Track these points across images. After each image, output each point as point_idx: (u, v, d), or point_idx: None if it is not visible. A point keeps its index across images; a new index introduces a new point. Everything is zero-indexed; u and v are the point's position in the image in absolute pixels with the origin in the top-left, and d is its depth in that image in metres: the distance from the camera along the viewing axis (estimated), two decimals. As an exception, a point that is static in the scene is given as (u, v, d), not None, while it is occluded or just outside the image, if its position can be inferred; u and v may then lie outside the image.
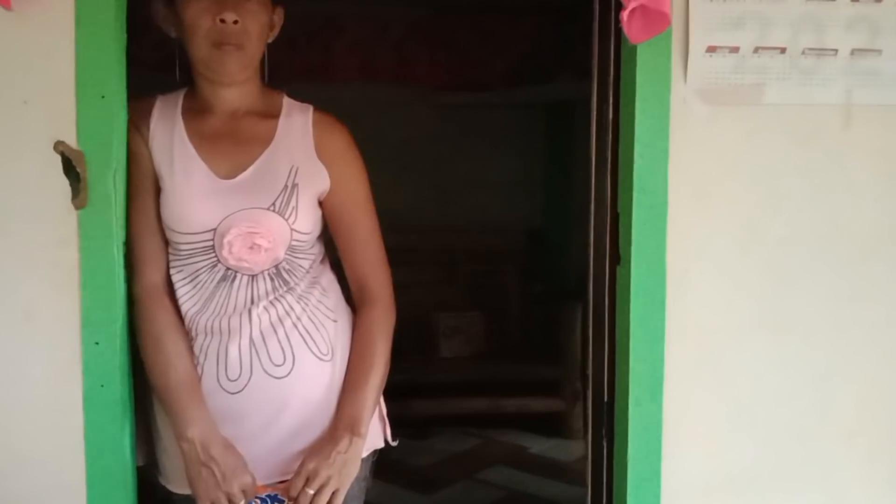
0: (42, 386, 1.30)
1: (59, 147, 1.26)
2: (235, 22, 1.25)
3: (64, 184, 1.26)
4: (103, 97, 1.27)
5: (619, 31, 1.38)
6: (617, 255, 1.43)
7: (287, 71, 1.52)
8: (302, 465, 1.27)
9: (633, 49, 1.38)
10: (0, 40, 1.25)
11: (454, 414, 3.50)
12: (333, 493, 1.26)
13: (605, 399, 1.52)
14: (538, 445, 3.42)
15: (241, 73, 1.30)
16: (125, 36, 1.31)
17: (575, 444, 3.29)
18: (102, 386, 1.28)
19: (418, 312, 3.86)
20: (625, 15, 1.28)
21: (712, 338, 1.44)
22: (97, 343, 1.28)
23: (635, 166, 1.38)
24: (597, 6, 1.60)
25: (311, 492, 1.25)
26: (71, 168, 1.26)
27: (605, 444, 1.53)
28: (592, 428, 1.59)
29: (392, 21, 4.10)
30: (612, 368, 1.49)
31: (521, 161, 4.31)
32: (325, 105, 1.40)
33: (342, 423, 1.31)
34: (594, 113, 1.56)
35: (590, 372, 1.57)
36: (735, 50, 1.40)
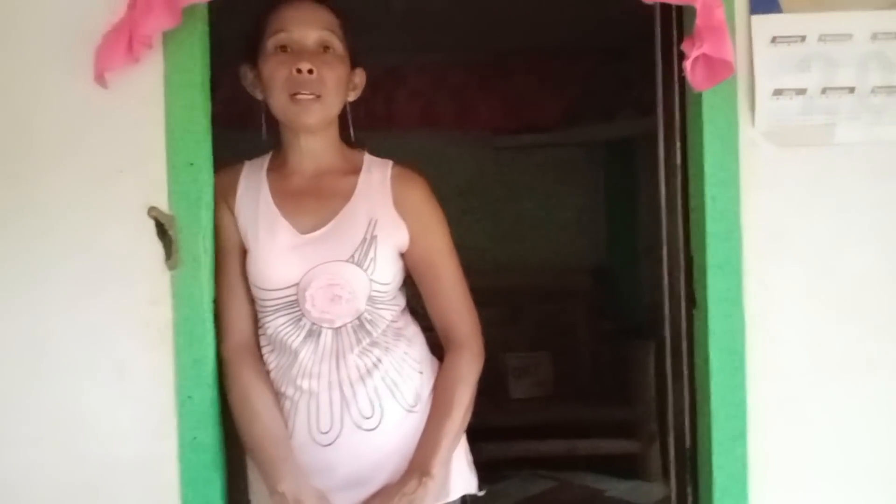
0: (138, 440, 1.36)
1: (153, 212, 1.34)
2: (311, 71, 1.29)
3: (157, 247, 1.34)
4: (192, 164, 1.35)
5: (682, 75, 1.39)
6: (692, 299, 1.43)
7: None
8: None
9: (699, 94, 1.39)
10: (97, 115, 1.35)
11: (526, 457, 3.47)
12: None
13: (688, 444, 1.50)
14: (615, 488, 3.36)
15: (318, 121, 1.34)
16: (210, 105, 1.40)
17: (653, 487, 3.22)
18: (195, 438, 1.34)
19: (486, 354, 3.87)
20: (688, 64, 1.30)
21: (794, 381, 1.41)
22: (190, 397, 1.34)
23: (707, 210, 1.38)
24: (658, 51, 1.62)
25: None
26: (163, 231, 1.34)
27: (689, 491, 1.50)
28: (676, 474, 1.57)
29: (450, 68, 4.20)
30: (693, 413, 1.47)
31: (584, 199, 4.32)
32: (388, 153, 1.44)
33: (413, 464, 1.32)
34: (661, 157, 1.58)
35: (670, 417, 1.55)
36: (802, 92, 1.39)
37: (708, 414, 1.39)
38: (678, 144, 1.47)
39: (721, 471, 1.39)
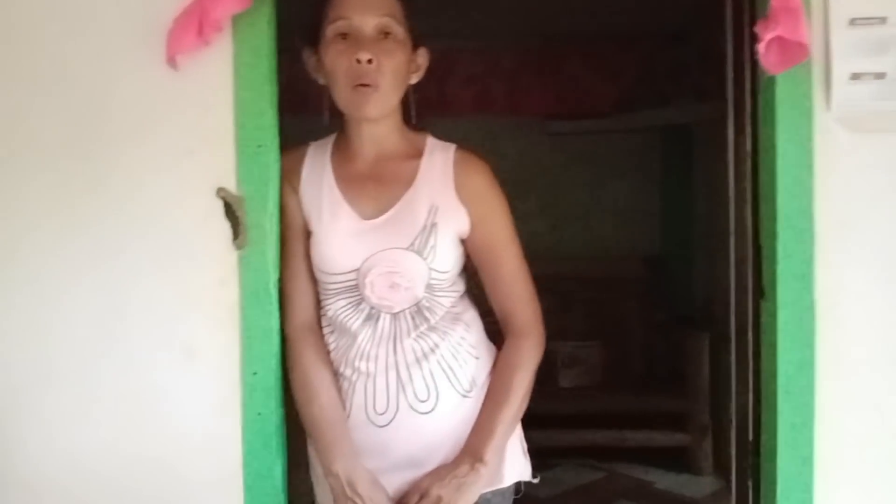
0: (204, 415, 1.39)
1: (221, 193, 1.37)
2: (370, 61, 1.29)
3: (224, 227, 1.37)
4: (260, 146, 1.36)
5: (754, 59, 1.36)
6: (761, 289, 1.39)
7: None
8: (417, 483, 1.30)
9: (772, 78, 1.35)
10: (168, 97, 1.37)
11: (575, 446, 3.46)
12: None
13: (751, 437, 1.48)
14: (664, 481, 3.33)
15: (379, 110, 1.33)
16: (277, 89, 1.41)
17: (704, 481, 3.18)
18: (260, 414, 1.36)
19: (539, 342, 3.87)
20: (761, 47, 1.26)
21: (866, 375, 1.37)
22: (255, 373, 1.36)
23: (778, 197, 1.34)
24: (729, 34, 1.58)
25: None
26: (231, 212, 1.36)
27: (751, 485, 1.48)
28: (737, 468, 1.54)
29: (504, 53, 4.17)
30: (757, 406, 1.44)
31: (638, 186, 4.26)
32: (441, 139, 1.43)
33: (466, 448, 1.33)
34: (731, 143, 1.54)
35: (732, 408, 1.52)
36: (881, 76, 1.34)
37: (774, 406, 1.36)
38: (748, 131, 1.43)
39: (785, 464, 1.36)
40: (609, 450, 3.47)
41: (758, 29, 1.27)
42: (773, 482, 1.38)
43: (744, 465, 1.53)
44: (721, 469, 3.13)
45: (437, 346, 1.35)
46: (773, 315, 1.36)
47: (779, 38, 1.26)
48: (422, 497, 1.28)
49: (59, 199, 1.37)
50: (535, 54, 4.14)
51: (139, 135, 1.38)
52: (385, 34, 1.32)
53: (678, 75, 3.99)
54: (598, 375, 3.80)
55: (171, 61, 1.32)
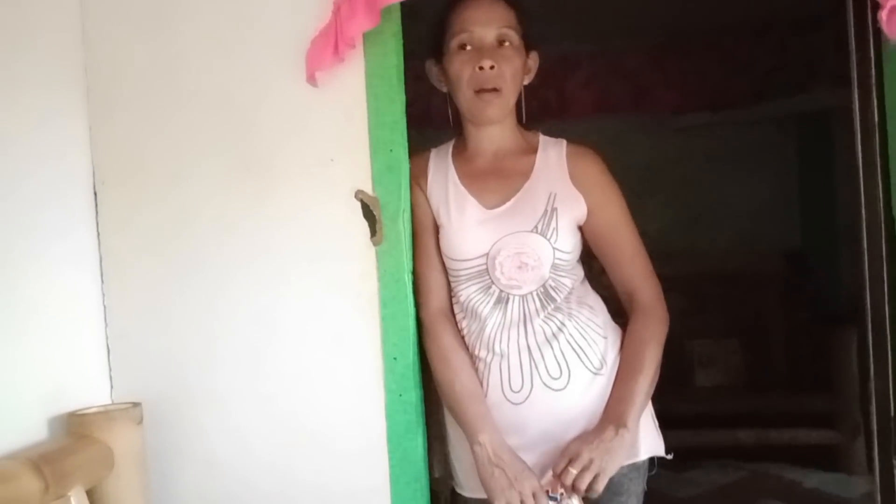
0: (351, 396, 1.52)
1: (359, 195, 1.50)
2: (492, 67, 1.42)
3: (363, 225, 1.49)
4: (391, 151, 1.48)
5: (878, 31, 1.33)
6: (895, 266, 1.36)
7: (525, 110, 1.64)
8: (566, 448, 1.35)
9: (896, 48, 1.32)
10: (311, 111, 1.52)
11: (716, 446, 3.38)
12: (596, 476, 1.30)
13: (893, 414, 1.42)
14: (813, 480, 3.19)
15: (499, 114, 1.47)
16: (405, 99, 1.53)
17: (857, 480, 3.01)
18: (400, 395, 1.47)
19: (671, 340, 3.78)
20: (883, 14, 1.25)
21: None
22: (395, 358, 1.48)
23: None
24: (850, 7, 1.55)
25: (574, 470, 1.30)
26: (369, 212, 1.49)
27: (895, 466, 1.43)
28: (879, 447, 1.49)
29: (627, 52, 4.16)
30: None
31: (774, 178, 4.10)
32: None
33: (609, 415, 1.37)
34: (857, 119, 1.50)
35: (873, 403, 1.47)
36: None
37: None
38: (875, 104, 1.40)
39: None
40: (752, 449, 3.36)
41: (878, -3, 1.25)
42: (918, 464, 1.33)
43: (888, 465, 1.47)
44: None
45: (564, 325, 1.42)
46: (909, 290, 1.32)
47: (901, 5, 1.23)
48: (571, 460, 1.31)
49: (223, 203, 1.54)
50: (659, 52, 4.10)
51: (288, 146, 1.53)
52: (502, 42, 1.44)
53: (814, 62, 3.82)
54: (737, 374, 3.69)
55: (311, 79, 1.46)
